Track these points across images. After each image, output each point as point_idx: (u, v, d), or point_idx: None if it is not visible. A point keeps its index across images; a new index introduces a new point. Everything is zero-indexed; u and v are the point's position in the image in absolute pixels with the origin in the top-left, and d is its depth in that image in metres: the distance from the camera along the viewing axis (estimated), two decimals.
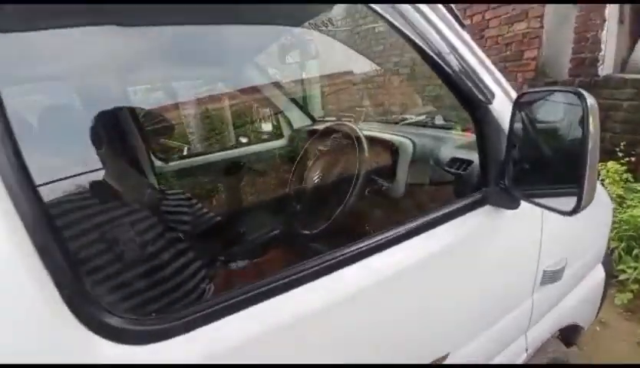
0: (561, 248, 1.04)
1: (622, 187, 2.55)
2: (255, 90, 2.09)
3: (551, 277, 1.02)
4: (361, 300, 0.68)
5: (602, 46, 2.50)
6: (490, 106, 0.77)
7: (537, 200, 0.68)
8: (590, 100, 0.55)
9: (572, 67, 2.73)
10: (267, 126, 2.42)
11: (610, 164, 2.58)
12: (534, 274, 0.98)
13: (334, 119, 2.05)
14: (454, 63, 0.71)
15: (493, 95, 0.77)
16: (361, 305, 0.69)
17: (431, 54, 0.67)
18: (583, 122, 0.55)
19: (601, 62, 2.52)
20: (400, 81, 3.93)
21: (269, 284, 0.57)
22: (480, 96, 0.75)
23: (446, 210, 0.79)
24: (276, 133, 2.36)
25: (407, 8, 0.64)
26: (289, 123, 2.25)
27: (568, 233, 1.05)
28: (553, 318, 1.15)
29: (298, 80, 2.29)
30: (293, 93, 2.31)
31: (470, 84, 0.73)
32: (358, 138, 1.08)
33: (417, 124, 1.41)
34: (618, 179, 2.55)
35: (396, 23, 0.63)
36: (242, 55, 1.78)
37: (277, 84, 2.16)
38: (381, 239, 0.72)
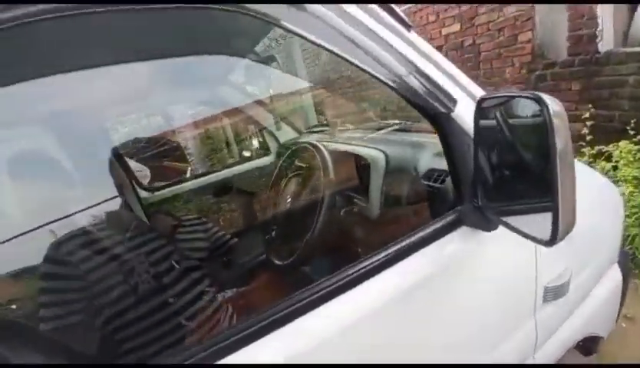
0: (562, 260, 0.92)
1: (638, 168, 2.37)
2: (234, 110, 2.03)
3: (554, 293, 0.90)
4: (321, 353, 0.59)
5: (599, 21, 2.34)
6: (453, 114, 0.67)
7: (512, 224, 0.58)
8: (554, 107, 0.44)
9: (571, 46, 2.57)
10: (252, 145, 2.35)
11: (622, 144, 2.41)
12: (532, 293, 0.87)
13: (318, 129, 1.96)
14: (399, 71, 0.61)
15: (454, 101, 0.67)
16: (323, 358, 0.60)
17: (364, 64, 0.58)
18: (547, 135, 0.44)
19: (600, 38, 2.36)
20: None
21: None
22: (438, 105, 0.65)
23: (417, 236, 0.69)
24: (263, 150, 2.29)
25: (323, 11, 0.54)
26: (276, 139, 2.18)
27: (569, 241, 0.93)
28: (566, 334, 1.02)
29: (279, 93, 2.22)
30: (276, 107, 2.24)
31: (423, 93, 0.64)
32: (322, 158, 0.99)
33: (398, 129, 1.31)
34: (632, 159, 2.37)
35: (311, 37, 0.53)
36: (215, 76, 1.72)
37: (258, 101, 2.09)
38: (343, 278, 0.62)
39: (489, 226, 0.67)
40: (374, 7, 0.60)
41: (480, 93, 0.75)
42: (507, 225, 0.59)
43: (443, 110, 0.66)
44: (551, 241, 0.50)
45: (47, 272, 0.76)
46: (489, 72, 3.31)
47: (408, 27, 0.65)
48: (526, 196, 0.58)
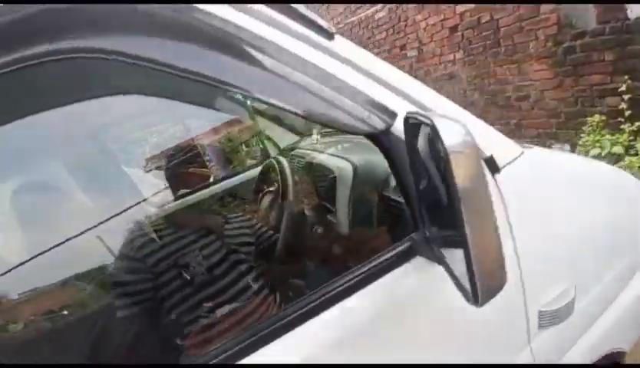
0: (563, 279, 0.79)
1: None
2: (230, 120, 2.00)
3: (553, 316, 0.77)
4: None
5: None
6: (394, 129, 0.57)
7: (452, 264, 0.47)
8: (452, 139, 0.33)
9: (599, 13, 2.26)
10: (252, 153, 2.32)
11: None
12: (522, 322, 0.74)
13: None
14: (317, 90, 0.52)
15: (393, 115, 0.57)
16: None
17: (264, 92, 0.49)
18: (445, 172, 0.34)
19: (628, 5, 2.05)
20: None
21: None
22: (373, 121, 0.56)
23: (369, 267, 0.60)
24: (263, 156, 2.25)
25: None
26: (275, 144, 2.13)
27: (568, 254, 0.79)
28: (578, 356, 0.88)
29: None
30: (273, 112, 2.18)
31: (351, 111, 0.54)
32: (282, 175, 0.92)
33: None
34: None
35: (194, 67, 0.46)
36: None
37: (253, 108, 2.04)
38: (278, 320, 0.56)
39: (439, 259, 0.57)
40: (280, 16, 0.52)
41: (435, 101, 0.64)
42: (443, 263, 0.48)
43: (379, 127, 0.56)
44: (475, 301, 0.39)
45: (119, 267, 0.90)
46: (510, 49, 3.03)
47: (330, 35, 0.55)
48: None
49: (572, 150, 2.62)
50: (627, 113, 2.19)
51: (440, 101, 0.65)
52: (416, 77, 0.66)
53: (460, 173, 0.33)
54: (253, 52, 0.47)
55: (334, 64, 0.55)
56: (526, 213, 0.71)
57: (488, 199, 0.36)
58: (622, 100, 2.19)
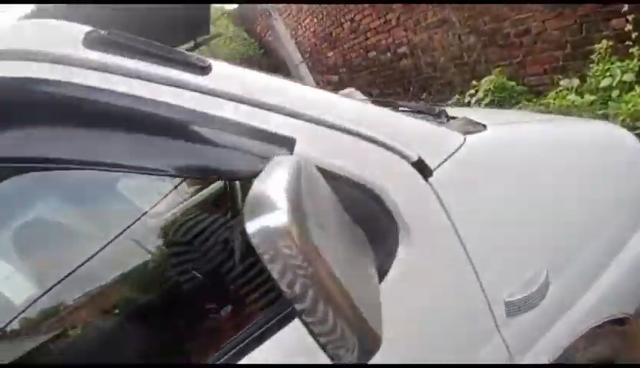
0: (527, 263, 0.74)
1: None
2: None
3: (521, 304, 0.74)
4: None
5: None
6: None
7: None
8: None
9: None
10: None
11: None
12: (486, 313, 0.71)
13: None
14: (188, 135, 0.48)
15: (289, 142, 0.52)
16: None
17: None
18: None
19: None
20: None
21: None
22: (265, 152, 0.51)
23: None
24: None
25: None
26: None
27: (533, 238, 0.74)
28: (561, 332, 0.84)
29: None
30: None
31: (235, 147, 0.50)
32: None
33: None
34: None
35: None
36: None
37: None
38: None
39: None
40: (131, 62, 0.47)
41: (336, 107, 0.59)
42: None
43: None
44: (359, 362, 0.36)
45: (173, 252, 0.99)
46: None
47: (203, 70, 0.50)
48: None
49: (581, 84, 2.41)
50: (633, 35, 1.96)
51: (339, 105, 0.59)
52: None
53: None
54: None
55: (211, 101, 0.50)
56: (472, 207, 0.66)
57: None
58: (627, 21, 1.95)
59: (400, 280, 0.61)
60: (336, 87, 3.84)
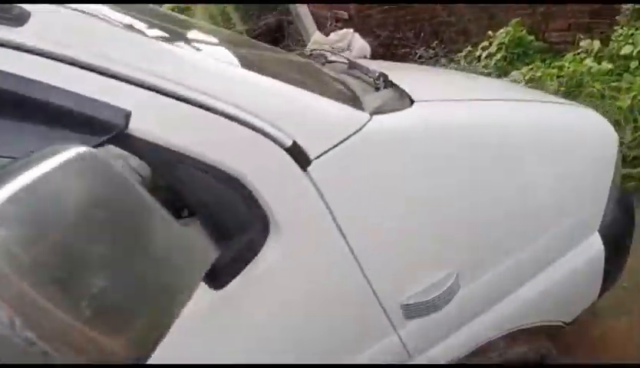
0: (432, 267, 0.66)
1: None
2: None
3: (421, 308, 0.67)
4: None
5: None
6: (132, 131, 0.43)
7: None
8: None
9: None
10: None
11: None
12: (381, 315, 0.65)
13: None
14: None
15: (123, 114, 0.41)
16: None
17: None
18: None
19: None
20: None
21: None
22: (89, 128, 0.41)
23: None
24: None
25: None
26: None
27: (440, 241, 0.65)
28: (478, 328, 0.79)
29: None
30: None
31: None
32: None
33: None
34: None
35: None
36: None
37: None
38: None
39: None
40: None
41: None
42: None
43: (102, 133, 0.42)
44: None
45: None
46: None
47: (16, 19, 0.38)
48: None
49: (602, 47, 2.10)
50: None
51: (202, 71, 0.47)
52: None
53: None
54: None
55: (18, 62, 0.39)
56: (363, 203, 0.56)
57: None
58: None
59: (265, 280, 0.53)
60: (345, 26, 3.46)
